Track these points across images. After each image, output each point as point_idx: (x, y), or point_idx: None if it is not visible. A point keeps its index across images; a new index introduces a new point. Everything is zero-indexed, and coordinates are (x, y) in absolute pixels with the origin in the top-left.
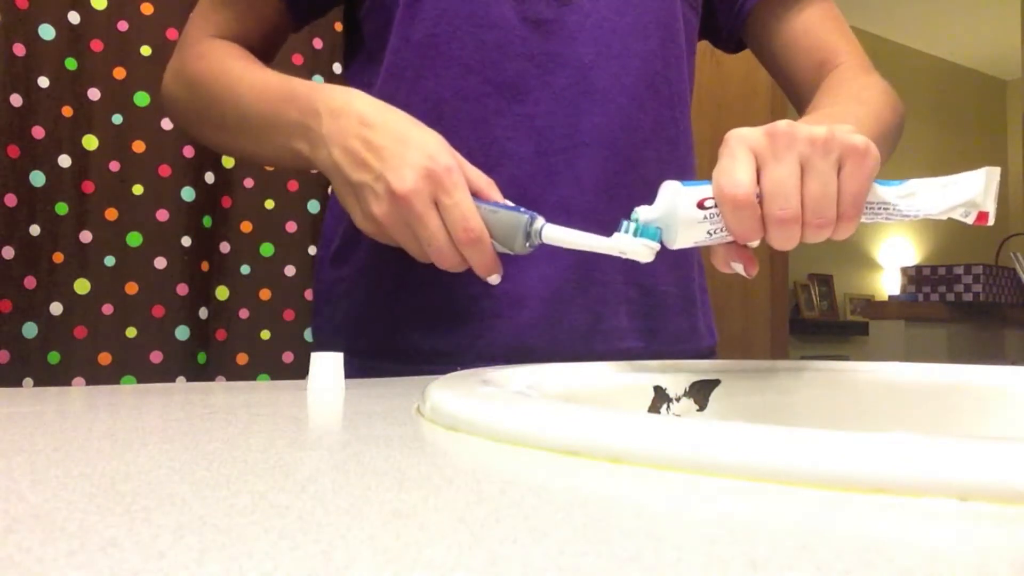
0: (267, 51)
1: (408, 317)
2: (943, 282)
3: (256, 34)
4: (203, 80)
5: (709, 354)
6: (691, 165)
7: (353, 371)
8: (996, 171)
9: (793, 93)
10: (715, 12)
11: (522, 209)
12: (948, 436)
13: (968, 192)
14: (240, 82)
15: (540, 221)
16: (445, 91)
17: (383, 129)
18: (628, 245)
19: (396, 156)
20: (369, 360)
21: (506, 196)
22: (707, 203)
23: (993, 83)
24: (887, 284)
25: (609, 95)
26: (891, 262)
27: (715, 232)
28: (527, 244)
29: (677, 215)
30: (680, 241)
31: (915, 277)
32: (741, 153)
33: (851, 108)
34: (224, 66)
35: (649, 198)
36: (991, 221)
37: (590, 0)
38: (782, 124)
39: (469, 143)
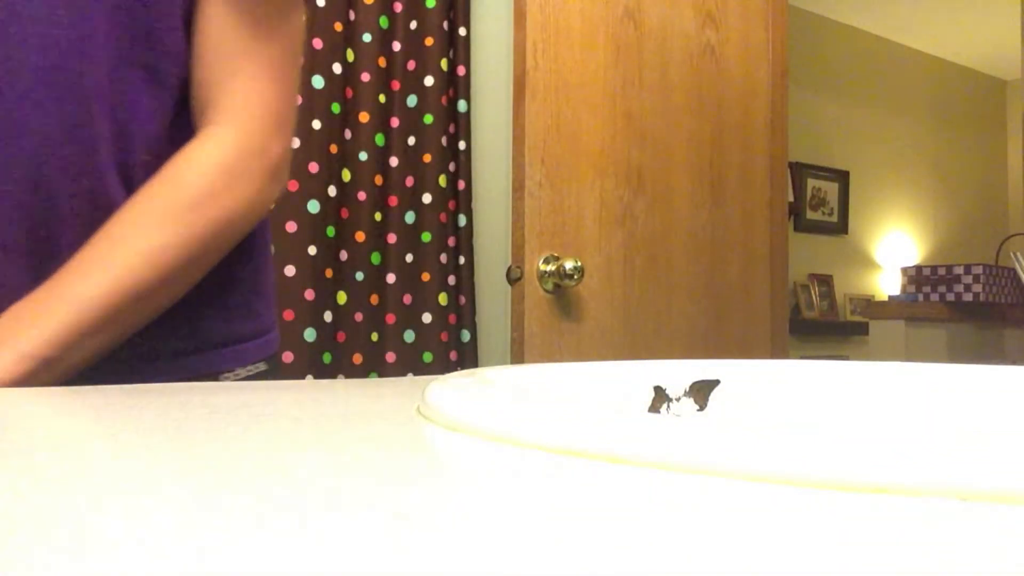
0: None
1: None
2: (943, 282)
3: None
4: None
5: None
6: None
7: None
8: None
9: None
10: None
11: None
12: (948, 436)
13: None
14: None
15: None
16: None
17: None
18: None
19: None
20: None
21: None
22: None
23: (993, 83)
24: (887, 284)
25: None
26: (891, 262)
27: None
28: None
29: None
30: None
31: (915, 277)
32: None
33: (100, 273)
34: None
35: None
36: None
37: None
38: None
39: None
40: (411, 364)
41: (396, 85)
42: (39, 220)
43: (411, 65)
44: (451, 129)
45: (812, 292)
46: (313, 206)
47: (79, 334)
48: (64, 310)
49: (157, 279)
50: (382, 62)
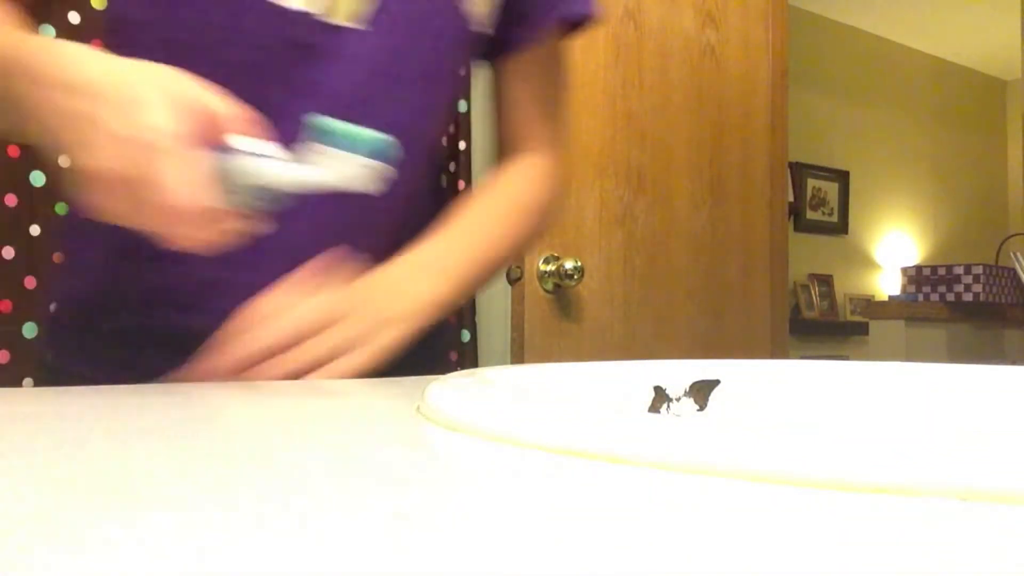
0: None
1: (158, 296)
2: (943, 282)
3: None
4: None
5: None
6: None
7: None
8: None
9: (498, 147)
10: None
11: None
12: (948, 436)
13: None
14: None
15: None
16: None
17: (102, 97)
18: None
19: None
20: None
21: None
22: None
23: (993, 83)
24: (887, 284)
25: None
26: (891, 262)
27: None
28: (239, 196)
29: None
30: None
31: (915, 277)
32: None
33: (474, 237)
34: None
35: None
36: None
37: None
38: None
39: None
40: None
41: None
42: (397, 234)
43: None
44: (451, 129)
45: (812, 292)
46: None
47: (473, 269)
48: (457, 252)
49: (496, 260)
50: None
